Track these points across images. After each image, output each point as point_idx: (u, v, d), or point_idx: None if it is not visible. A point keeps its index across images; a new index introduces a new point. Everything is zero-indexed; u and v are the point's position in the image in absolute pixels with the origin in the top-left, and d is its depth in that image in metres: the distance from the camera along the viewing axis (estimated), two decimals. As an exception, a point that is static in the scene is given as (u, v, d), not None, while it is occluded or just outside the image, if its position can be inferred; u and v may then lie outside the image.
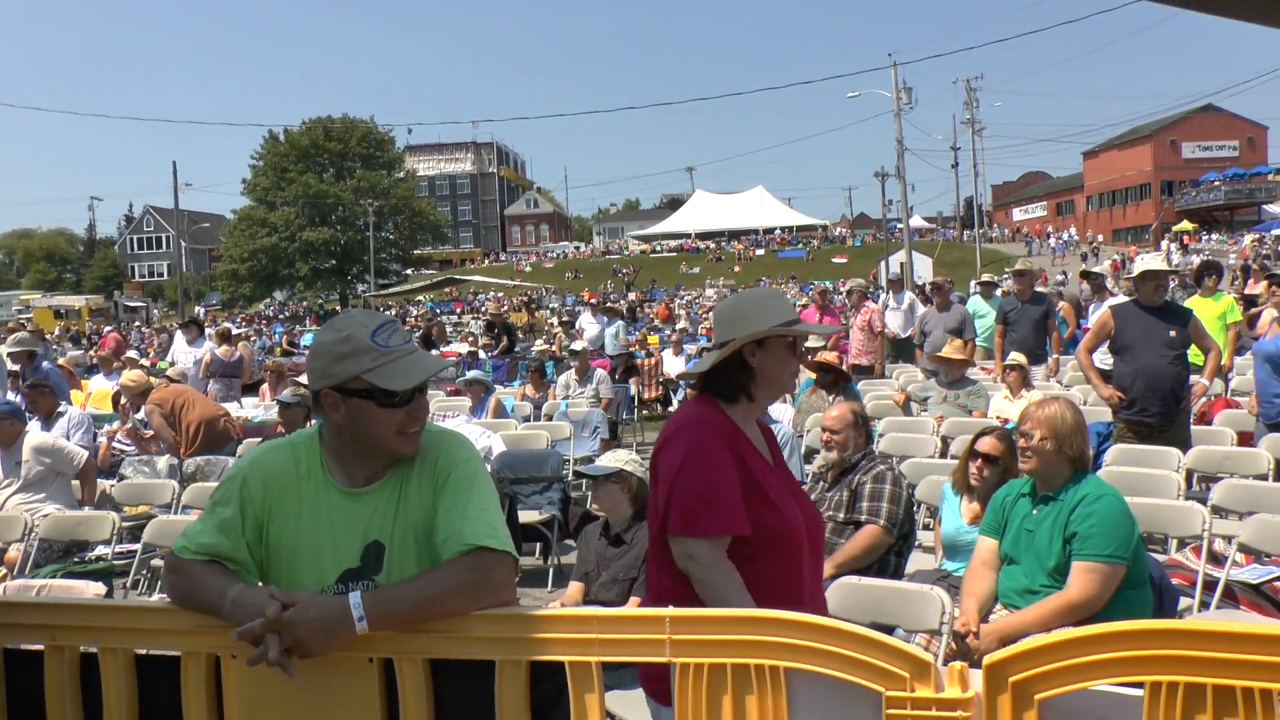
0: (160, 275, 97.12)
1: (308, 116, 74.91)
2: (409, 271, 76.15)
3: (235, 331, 13.93)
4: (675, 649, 2.07)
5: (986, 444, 4.97)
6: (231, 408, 11.35)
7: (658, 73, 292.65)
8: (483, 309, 48.40)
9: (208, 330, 15.29)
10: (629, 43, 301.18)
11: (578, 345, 13.58)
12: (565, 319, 26.84)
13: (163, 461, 8.61)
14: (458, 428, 8.92)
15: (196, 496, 6.97)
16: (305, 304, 71.00)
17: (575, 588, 4.84)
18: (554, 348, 19.71)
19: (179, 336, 15.66)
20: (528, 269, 79.55)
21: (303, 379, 9.70)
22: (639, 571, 4.50)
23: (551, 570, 7.41)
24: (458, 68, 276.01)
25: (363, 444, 2.40)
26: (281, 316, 62.63)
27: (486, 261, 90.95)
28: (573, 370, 12.58)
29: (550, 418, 11.10)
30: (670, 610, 2.09)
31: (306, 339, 32.44)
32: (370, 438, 2.38)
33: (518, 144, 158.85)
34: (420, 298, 60.39)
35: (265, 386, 13.41)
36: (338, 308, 52.31)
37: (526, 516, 7.50)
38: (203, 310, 65.75)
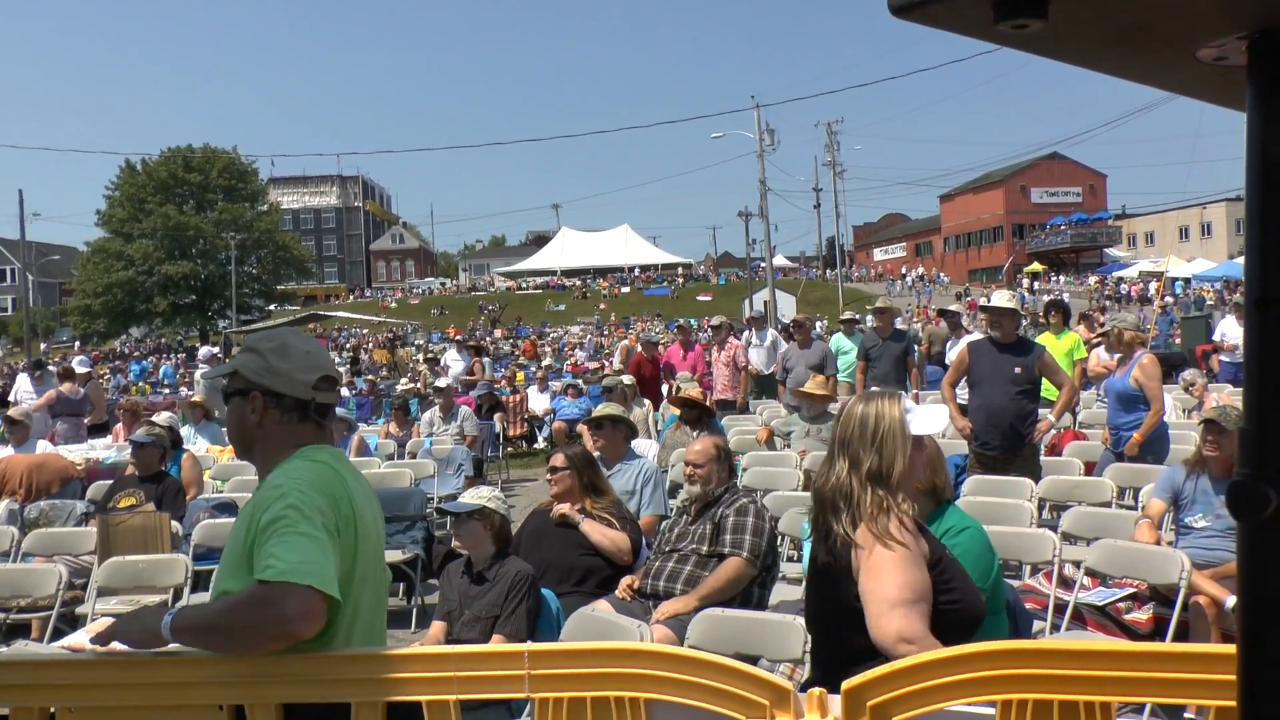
0: (4, 310, 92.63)
1: (167, 146, 72.74)
2: (272, 307, 74.21)
3: (81, 371, 13.31)
4: (534, 684, 2.04)
5: None
6: (79, 448, 10.87)
7: (524, 109, 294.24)
8: (348, 345, 47.57)
9: (50, 368, 14.59)
10: (496, 79, 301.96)
11: (442, 382, 13.40)
12: (430, 356, 26.53)
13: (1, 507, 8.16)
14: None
15: (39, 543, 6.63)
16: (164, 340, 68.62)
17: (437, 627, 4.74)
18: (419, 385, 19.43)
19: (22, 377, 14.95)
20: (393, 305, 78.34)
21: (159, 418, 9.36)
22: (501, 609, 4.44)
23: (415, 610, 7.27)
24: (323, 99, 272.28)
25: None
26: (138, 353, 60.37)
27: (351, 297, 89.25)
28: (437, 407, 12.42)
29: (414, 455, 10.94)
30: (529, 645, 2.06)
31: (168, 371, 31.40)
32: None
33: (384, 178, 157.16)
34: (283, 334, 58.85)
35: (120, 426, 12.85)
36: (198, 344, 50.59)
37: (389, 556, 7.33)
38: (45, 347, 62.89)
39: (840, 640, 2.95)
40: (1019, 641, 2.30)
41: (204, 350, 21.81)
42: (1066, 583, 5.19)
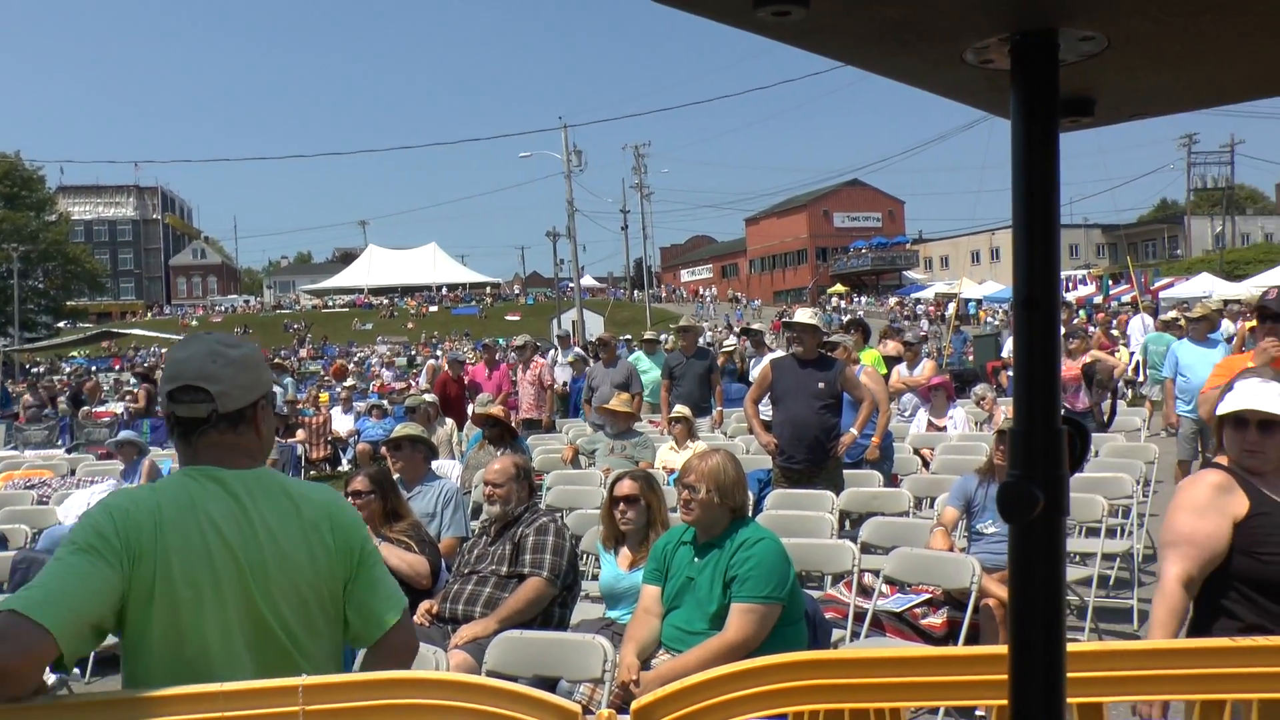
0: None
1: (-60, 148, 68.04)
2: (61, 324, 70.18)
3: None
4: None
5: (624, 487, 5.00)
6: None
7: (328, 122, 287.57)
8: (144, 366, 45.35)
9: None
10: (301, 90, 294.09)
11: (243, 402, 12.86)
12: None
13: None
14: (107, 493, 8.24)
15: None
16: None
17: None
18: (219, 406, 18.63)
19: None
20: (194, 323, 75.17)
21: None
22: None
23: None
24: (115, 104, 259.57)
25: (266, 453, 2.47)
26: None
27: (149, 314, 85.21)
28: (236, 429, 11.92)
29: (211, 480, 10.42)
30: (303, 680, 1.93)
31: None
32: (271, 442, 2.49)
33: (185, 190, 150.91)
34: (73, 353, 55.77)
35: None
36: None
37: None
38: None
39: None
40: (812, 652, 2.32)
41: None
42: (866, 591, 5.33)
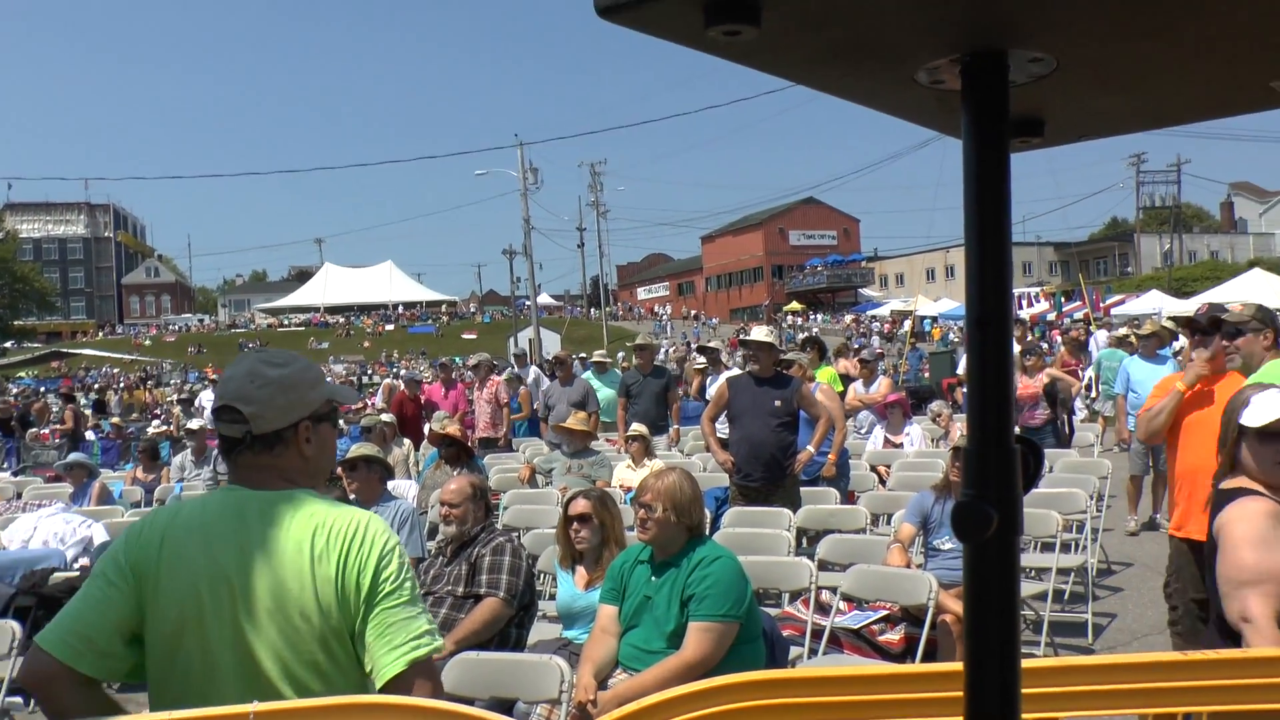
0: None
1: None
2: (9, 344, 69.04)
3: None
4: (260, 745, 1.89)
5: (579, 506, 4.99)
6: None
7: (285, 139, 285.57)
8: (95, 386, 44.73)
9: None
10: (255, 107, 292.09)
11: (195, 424, 12.70)
12: (185, 396, 25.21)
13: None
14: (54, 517, 8.11)
15: None
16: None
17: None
18: (171, 428, 18.38)
19: None
20: (147, 342, 74.34)
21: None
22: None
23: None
24: (65, 119, 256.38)
25: (320, 478, 2.43)
26: None
27: (101, 334, 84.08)
28: (189, 450, 11.76)
29: (163, 503, 10.29)
30: (254, 706, 1.90)
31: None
32: (329, 461, 2.45)
33: (137, 207, 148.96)
34: (21, 374, 54.85)
35: None
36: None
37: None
38: None
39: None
40: (770, 671, 2.31)
41: None
42: (823, 608, 5.33)
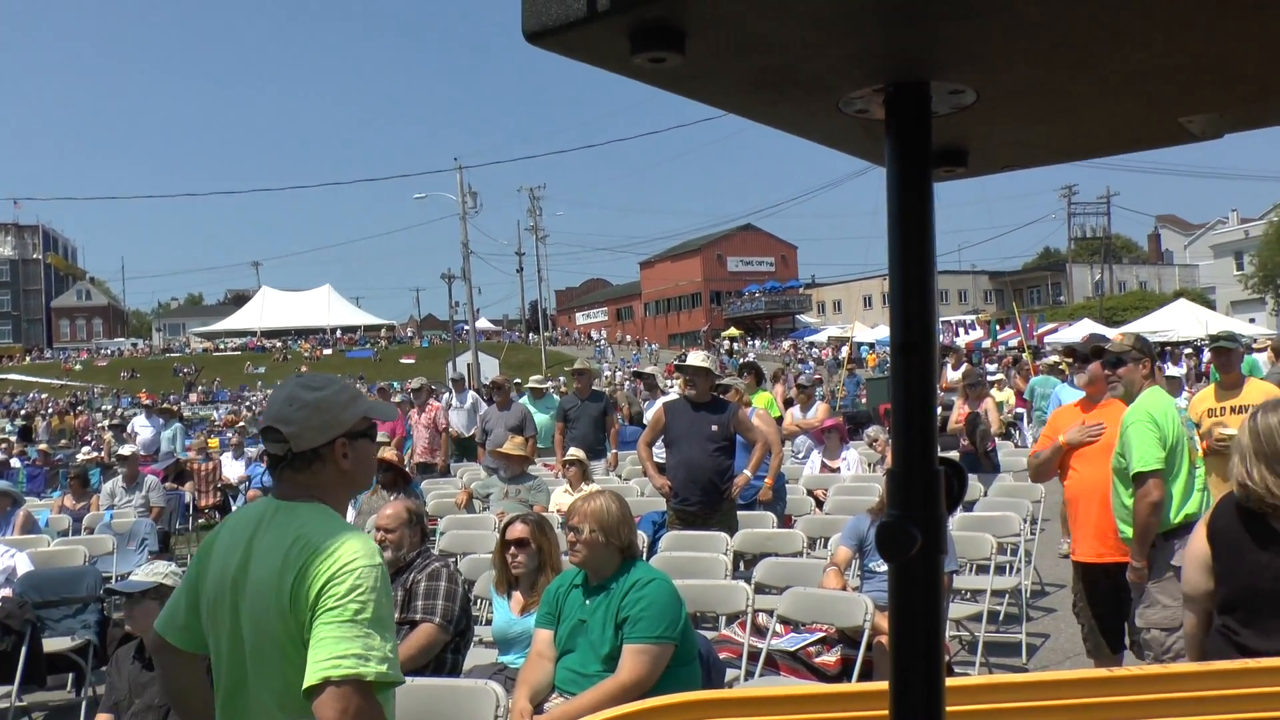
0: None
1: None
2: (-71, 370, 67.43)
3: None
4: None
5: (515, 530, 4.99)
6: None
7: (222, 160, 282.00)
8: (23, 412, 43.69)
9: None
10: (190, 126, 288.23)
11: (127, 449, 12.46)
12: (117, 422, 24.74)
13: None
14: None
15: None
16: None
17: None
18: (102, 454, 17.99)
19: None
20: (78, 367, 72.81)
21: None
22: (177, 697, 4.11)
23: (85, 703, 6.54)
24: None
25: (359, 487, 2.71)
26: None
27: (29, 358, 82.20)
28: (120, 477, 11.53)
29: (92, 530, 10.08)
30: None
31: None
32: (367, 476, 2.68)
33: (68, 229, 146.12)
34: (-57, 400, 53.55)
35: None
36: None
37: (54, 645, 6.69)
38: None
39: None
40: (705, 692, 2.32)
41: None
42: (760, 631, 5.36)
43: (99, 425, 32.95)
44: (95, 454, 17.60)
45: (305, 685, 2.18)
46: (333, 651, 2.20)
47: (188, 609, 2.60)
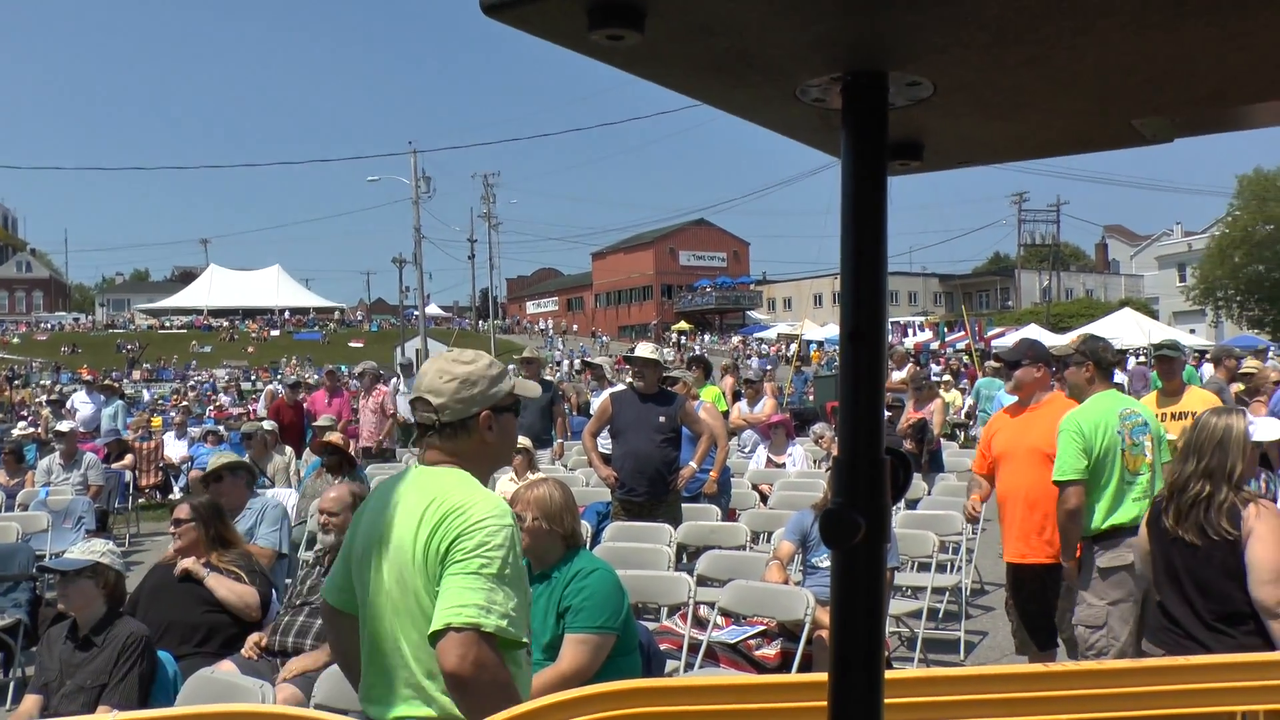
0: None
1: None
2: None
3: None
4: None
5: None
6: None
7: (172, 134, 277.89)
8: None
9: None
10: (140, 98, 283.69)
11: (65, 426, 12.25)
12: (55, 398, 24.28)
13: None
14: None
15: None
16: None
17: (30, 701, 4.25)
18: (39, 430, 17.65)
19: None
20: (15, 340, 71.39)
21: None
22: (109, 677, 4.05)
23: (13, 684, 6.41)
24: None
25: (501, 460, 2.89)
26: None
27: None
28: (57, 454, 11.33)
29: (26, 507, 9.90)
30: (115, 714, 1.85)
31: None
32: (509, 449, 2.87)
33: (9, 198, 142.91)
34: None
35: None
36: None
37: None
38: None
39: (1223, 599, 3.68)
40: (642, 680, 2.32)
41: None
42: (701, 623, 5.37)
43: (36, 400, 32.34)
44: (32, 430, 17.26)
45: (429, 630, 2.38)
46: (456, 600, 2.37)
47: (343, 573, 2.76)
